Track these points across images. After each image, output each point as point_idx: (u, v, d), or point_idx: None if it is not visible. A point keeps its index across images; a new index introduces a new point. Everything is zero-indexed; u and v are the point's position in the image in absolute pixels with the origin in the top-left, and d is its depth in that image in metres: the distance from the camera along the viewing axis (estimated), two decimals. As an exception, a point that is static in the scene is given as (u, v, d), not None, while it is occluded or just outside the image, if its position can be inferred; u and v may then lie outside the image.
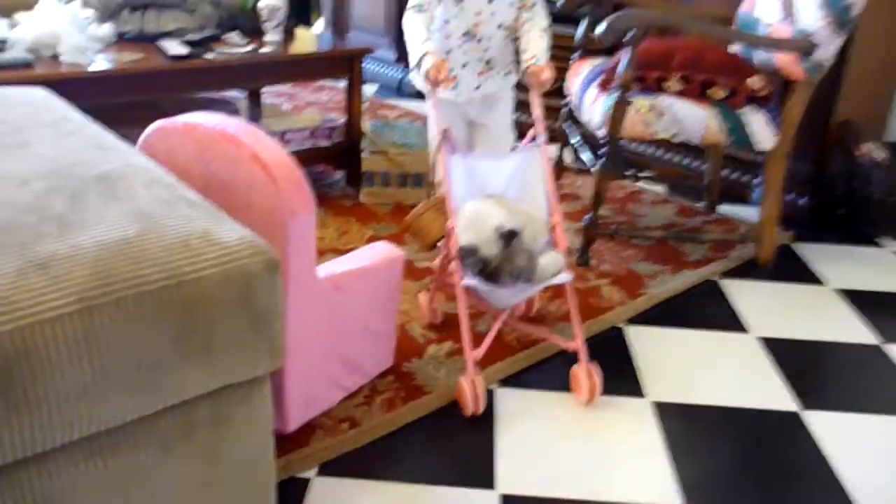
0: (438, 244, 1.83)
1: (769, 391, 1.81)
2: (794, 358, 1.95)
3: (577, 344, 1.73)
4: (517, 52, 1.99)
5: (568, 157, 2.95)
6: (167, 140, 1.45)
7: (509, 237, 1.60)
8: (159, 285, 0.96)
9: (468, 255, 1.62)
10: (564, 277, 1.70)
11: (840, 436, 1.66)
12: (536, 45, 1.92)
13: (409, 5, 1.94)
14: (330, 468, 1.47)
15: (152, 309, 0.95)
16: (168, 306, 0.96)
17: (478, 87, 2.04)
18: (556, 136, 2.86)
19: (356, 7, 4.56)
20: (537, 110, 1.86)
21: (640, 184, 3.02)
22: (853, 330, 2.10)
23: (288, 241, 1.32)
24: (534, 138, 1.83)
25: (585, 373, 1.70)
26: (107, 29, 2.51)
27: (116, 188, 1.14)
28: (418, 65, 1.84)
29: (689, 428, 1.67)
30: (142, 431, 1.01)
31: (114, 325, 0.92)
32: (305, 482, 1.43)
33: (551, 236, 1.78)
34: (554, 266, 1.71)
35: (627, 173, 2.89)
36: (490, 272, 1.63)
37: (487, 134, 2.14)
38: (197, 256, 1.00)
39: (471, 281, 1.61)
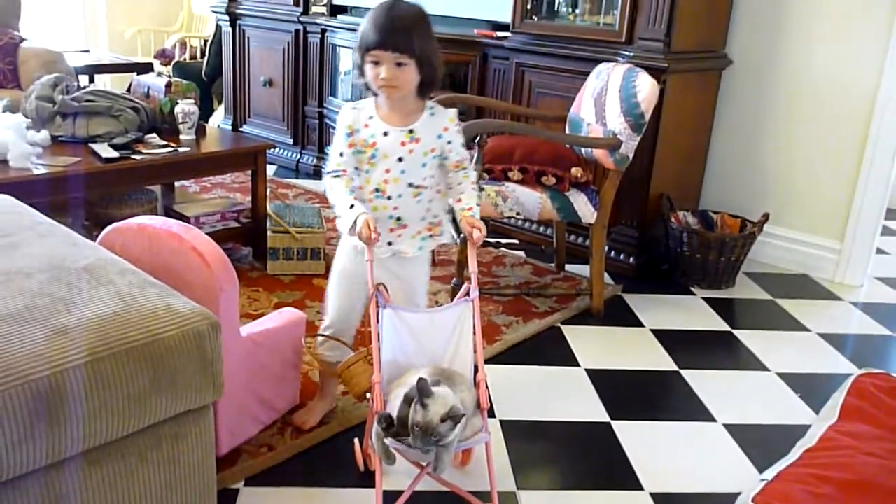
0: (367, 395, 1.83)
1: (589, 408, 2.38)
2: (610, 383, 2.53)
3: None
4: (436, 217, 1.98)
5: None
6: (123, 237, 1.92)
7: (421, 393, 1.58)
8: (140, 343, 1.43)
9: (381, 420, 1.63)
10: (482, 438, 1.71)
11: (638, 437, 2.24)
12: (470, 196, 1.94)
13: (325, 170, 1.94)
14: (253, 481, 1.93)
15: (136, 359, 1.42)
16: (147, 357, 1.44)
17: (390, 244, 1.95)
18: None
19: (254, 96, 5.08)
20: (473, 265, 1.86)
21: (503, 250, 3.61)
22: (659, 360, 2.71)
23: (219, 309, 1.80)
24: (467, 293, 1.82)
25: None
26: (43, 135, 2.95)
27: (98, 276, 1.61)
28: (353, 226, 1.80)
29: (529, 437, 2.21)
30: (126, 444, 1.47)
31: (112, 370, 1.39)
32: (236, 492, 1.90)
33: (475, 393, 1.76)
34: (470, 428, 1.68)
35: (491, 241, 3.47)
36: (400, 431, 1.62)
37: (400, 286, 1.97)
38: (164, 322, 1.48)
39: (386, 440, 1.62)
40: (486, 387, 1.77)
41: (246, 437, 2.05)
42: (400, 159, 1.88)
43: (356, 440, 2.03)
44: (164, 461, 1.55)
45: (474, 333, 1.81)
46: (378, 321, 1.76)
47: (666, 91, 3.17)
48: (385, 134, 1.88)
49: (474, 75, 3.87)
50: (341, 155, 1.90)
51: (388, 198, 1.90)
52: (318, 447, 2.09)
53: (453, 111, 1.95)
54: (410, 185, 1.90)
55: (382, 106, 1.89)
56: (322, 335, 2.09)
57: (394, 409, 1.65)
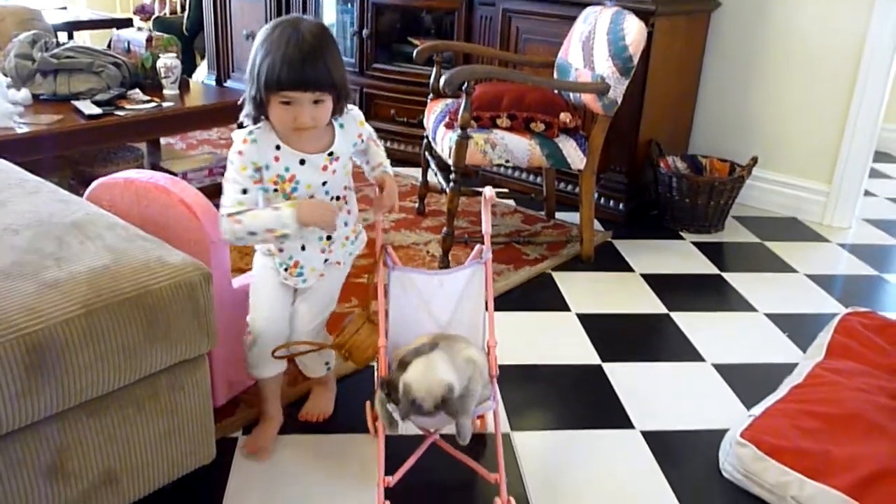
0: (373, 363, 1.79)
1: (580, 351, 2.41)
2: (600, 326, 2.56)
3: (499, 476, 1.69)
4: (353, 215, 1.86)
5: (433, 179, 3.51)
6: (110, 192, 1.91)
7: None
8: (133, 294, 1.44)
9: (383, 385, 1.61)
10: (488, 406, 1.68)
11: (628, 378, 2.27)
12: (381, 157, 1.86)
13: (223, 212, 1.65)
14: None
15: (129, 311, 1.43)
16: (139, 308, 1.44)
17: (326, 262, 1.82)
18: (418, 162, 3.44)
19: (237, 50, 5.02)
20: (486, 224, 1.79)
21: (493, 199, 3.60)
22: (649, 303, 2.74)
23: (210, 261, 1.81)
24: (480, 255, 1.77)
25: None
26: (24, 93, 2.91)
27: (87, 231, 1.61)
28: (298, 223, 1.63)
29: (522, 381, 2.24)
30: (124, 395, 1.48)
31: (106, 322, 1.39)
32: (234, 440, 1.92)
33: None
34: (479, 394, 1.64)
35: (481, 190, 3.47)
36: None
37: (311, 295, 1.85)
38: (156, 274, 1.49)
39: (394, 409, 1.59)
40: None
41: (244, 388, 2.07)
42: (324, 183, 1.71)
43: (368, 403, 1.90)
44: (163, 411, 1.56)
45: (486, 297, 1.74)
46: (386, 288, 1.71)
47: (654, 34, 3.15)
48: (302, 163, 1.67)
49: (460, 23, 3.82)
50: (245, 192, 1.64)
51: None
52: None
53: (356, 110, 1.78)
54: (334, 199, 1.76)
55: (285, 135, 1.66)
56: (250, 354, 1.83)
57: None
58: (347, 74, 1.68)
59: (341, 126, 1.72)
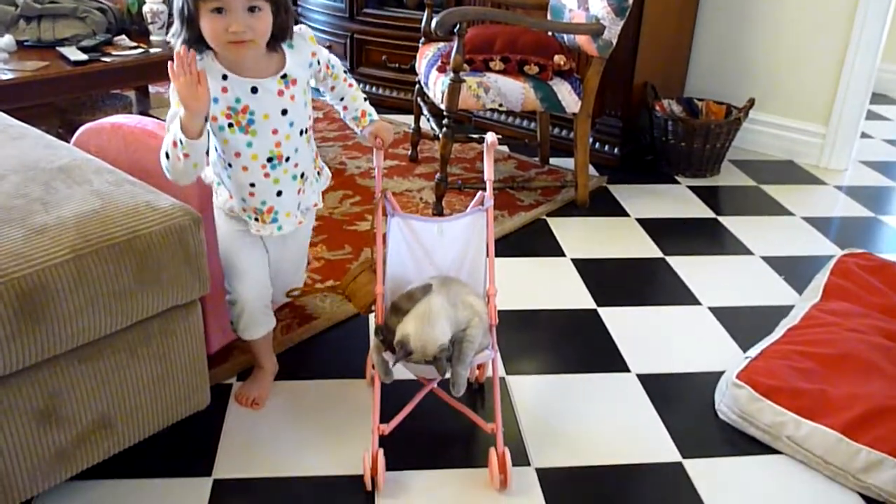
0: (373, 307, 1.75)
1: (576, 296, 2.40)
2: (596, 271, 2.55)
3: (496, 426, 1.66)
4: (315, 150, 1.78)
5: (426, 125, 3.47)
6: (98, 138, 1.87)
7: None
8: (122, 239, 1.42)
9: (378, 332, 1.62)
10: (487, 355, 1.66)
11: (624, 322, 2.27)
12: (365, 105, 1.79)
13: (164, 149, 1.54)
14: (245, 376, 1.94)
15: (119, 255, 1.41)
16: (129, 253, 1.42)
17: (300, 206, 1.73)
18: (410, 109, 3.39)
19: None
20: (489, 170, 1.74)
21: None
22: (644, 248, 2.73)
23: (200, 206, 1.78)
24: (481, 202, 1.73)
25: (500, 457, 1.63)
26: (7, 39, 2.85)
27: (74, 176, 1.58)
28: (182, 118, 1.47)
29: (518, 326, 2.23)
30: (116, 341, 1.47)
31: (96, 267, 1.37)
32: (229, 386, 1.92)
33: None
34: (479, 343, 1.62)
35: (475, 136, 3.43)
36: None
37: (284, 262, 1.85)
38: (145, 218, 1.46)
39: (389, 357, 1.57)
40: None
41: (235, 336, 2.05)
42: (284, 112, 1.59)
43: (369, 352, 1.90)
44: (155, 357, 1.55)
45: (487, 244, 1.72)
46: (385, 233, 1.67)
47: (649, -26, 3.08)
48: (254, 91, 1.56)
49: (452, -36, 3.74)
50: None
51: (287, 159, 1.63)
52: (308, 342, 2.11)
53: (304, 28, 1.68)
54: (301, 132, 1.64)
55: (230, 61, 1.54)
56: (240, 321, 1.80)
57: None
58: None
59: (290, 47, 1.61)
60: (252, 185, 1.64)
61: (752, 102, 3.35)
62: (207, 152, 1.59)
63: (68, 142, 1.91)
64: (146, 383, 1.55)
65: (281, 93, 1.59)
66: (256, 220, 1.69)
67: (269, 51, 1.57)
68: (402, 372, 1.68)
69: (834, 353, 1.99)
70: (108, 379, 1.48)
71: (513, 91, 2.74)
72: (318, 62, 1.68)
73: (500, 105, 2.76)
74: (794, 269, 2.60)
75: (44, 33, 2.94)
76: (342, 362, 2.03)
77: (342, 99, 1.79)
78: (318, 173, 1.81)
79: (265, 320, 1.82)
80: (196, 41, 1.51)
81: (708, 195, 3.20)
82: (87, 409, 1.46)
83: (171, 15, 1.58)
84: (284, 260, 1.86)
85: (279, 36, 1.56)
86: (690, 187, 3.28)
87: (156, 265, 1.46)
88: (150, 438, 1.61)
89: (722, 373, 2.00)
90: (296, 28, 1.63)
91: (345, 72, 1.77)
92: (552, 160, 3.42)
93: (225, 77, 1.55)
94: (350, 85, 1.78)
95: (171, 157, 1.52)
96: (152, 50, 2.93)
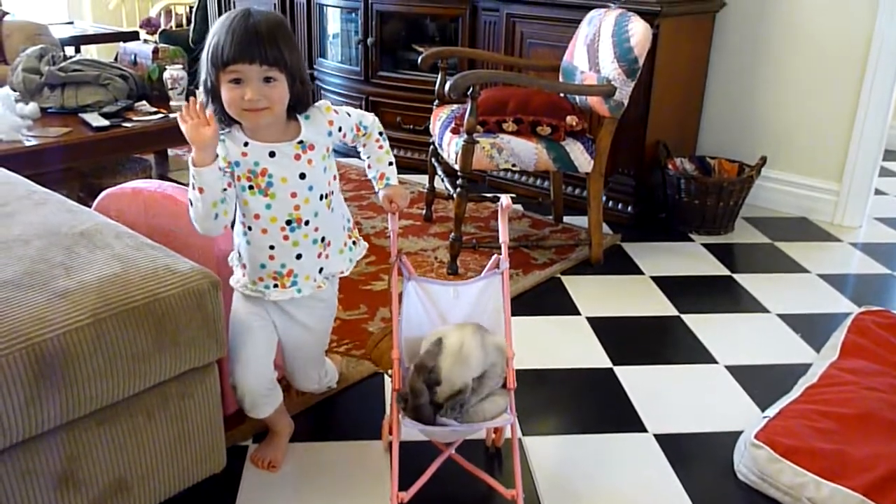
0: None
1: (591, 355, 2.39)
2: (611, 329, 2.54)
3: (517, 493, 1.65)
4: (349, 221, 1.83)
5: (440, 185, 3.51)
6: (118, 202, 1.91)
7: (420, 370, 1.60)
8: (142, 303, 1.44)
9: (399, 399, 1.62)
10: (505, 419, 1.66)
11: (640, 381, 2.26)
12: (386, 168, 1.80)
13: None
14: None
15: (138, 319, 1.43)
16: (148, 317, 1.44)
17: (321, 271, 1.73)
18: (425, 169, 3.44)
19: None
20: (504, 233, 1.76)
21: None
22: (659, 306, 2.72)
23: (219, 270, 1.80)
24: (497, 265, 1.75)
25: None
26: (32, 107, 2.93)
27: (95, 241, 1.61)
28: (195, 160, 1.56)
29: (533, 385, 2.22)
30: (134, 404, 1.48)
31: (115, 331, 1.39)
32: (245, 448, 1.92)
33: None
34: (496, 408, 1.66)
35: (489, 196, 3.47)
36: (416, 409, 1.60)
37: (304, 336, 1.81)
38: (164, 281, 1.49)
39: (404, 421, 1.59)
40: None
41: (252, 396, 2.06)
42: (303, 176, 1.62)
43: (385, 419, 1.94)
44: (173, 419, 1.56)
45: (504, 307, 1.72)
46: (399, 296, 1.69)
47: (659, 35, 3.14)
48: (272, 155, 1.61)
49: (464, 29, 3.83)
50: None
51: (307, 223, 1.65)
52: (324, 403, 2.11)
53: (324, 101, 1.71)
54: (321, 197, 1.67)
55: (252, 130, 1.61)
56: (243, 404, 1.79)
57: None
58: (306, 67, 1.64)
59: (306, 118, 1.65)
60: (272, 247, 1.66)
61: (763, 160, 3.37)
62: (227, 201, 1.61)
63: (89, 206, 1.96)
64: (163, 446, 1.56)
65: (298, 157, 1.62)
66: (276, 286, 1.69)
67: (288, 119, 1.63)
68: (416, 434, 1.68)
69: (853, 412, 1.96)
70: (126, 442, 1.49)
71: (526, 152, 2.78)
72: (340, 129, 1.70)
73: (514, 165, 2.80)
74: (810, 327, 2.59)
75: (67, 100, 3.02)
76: (359, 424, 2.03)
77: (370, 157, 1.82)
78: (354, 243, 1.83)
79: (270, 400, 1.81)
80: (222, 112, 1.58)
81: (722, 252, 3.21)
82: (104, 473, 1.46)
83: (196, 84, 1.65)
84: (299, 348, 1.84)
85: (296, 106, 1.62)
86: (704, 245, 3.28)
87: (174, 328, 1.48)
88: (166, 502, 1.61)
89: (740, 432, 1.98)
90: (318, 103, 1.69)
91: (380, 133, 1.80)
92: (566, 218, 3.44)
93: (246, 143, 1.61)
94: (381, 147, 1.81)
95: (193, 203, 1.58)
96: (171, 115, 3.00)
